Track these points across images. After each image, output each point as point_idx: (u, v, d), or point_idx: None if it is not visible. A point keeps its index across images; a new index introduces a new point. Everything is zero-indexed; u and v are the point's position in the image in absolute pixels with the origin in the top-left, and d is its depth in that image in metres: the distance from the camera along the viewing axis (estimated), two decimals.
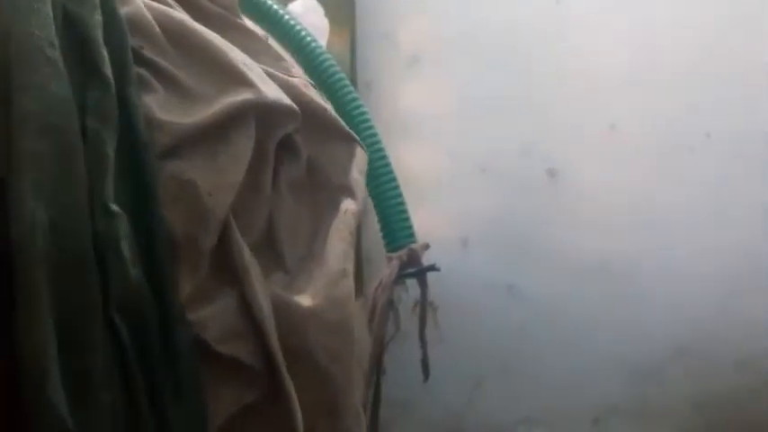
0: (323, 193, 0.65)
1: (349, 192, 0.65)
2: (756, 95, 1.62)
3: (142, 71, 0.55)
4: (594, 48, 1.64)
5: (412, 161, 1.77)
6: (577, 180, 1.67)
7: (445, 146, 1.75)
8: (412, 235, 1.03)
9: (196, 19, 0.63)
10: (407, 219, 1.03)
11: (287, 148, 0.62)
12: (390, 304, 1.02)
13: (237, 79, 0.56)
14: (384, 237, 1.03)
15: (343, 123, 0.65)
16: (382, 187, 1.02)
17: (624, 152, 1.64)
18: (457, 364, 1.77)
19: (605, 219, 1.67)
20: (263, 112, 0.56)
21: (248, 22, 0.69)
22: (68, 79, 0.48)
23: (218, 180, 0.53)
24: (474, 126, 1.72)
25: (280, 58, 0.66)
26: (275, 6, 1.09)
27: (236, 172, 0.54)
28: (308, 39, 1.08)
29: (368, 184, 1.04)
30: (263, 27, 1.11)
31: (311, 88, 0.64)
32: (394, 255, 1.00)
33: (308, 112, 0.62)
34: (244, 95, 0.54)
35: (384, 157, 1.04)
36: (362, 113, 1.05)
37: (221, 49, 0.57)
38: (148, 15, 0.56)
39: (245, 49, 0.65)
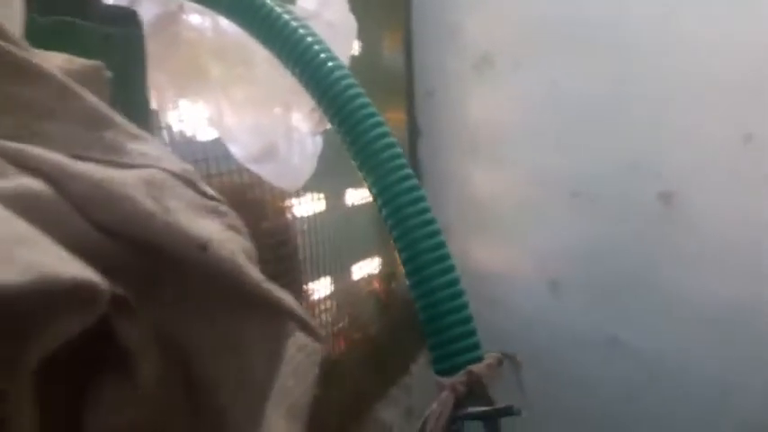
0: None
1: None
2: None
3: None
4: (722, 41, 1.14)
5: (485, 185, 1.34)
6: (699, 206, 1.19)
7: (527, 166, 1.31)
8: (476, 347, 0.61)
9: None
10: (468, 319, 0.61)
11: (96, 358, 0.21)
12: None
13: None
14: (430, 348, 0.61)
15: (255, 278, 0.23)
16: (426, 270, 0.60)
17: (762, 170, 1.14)
18: None
19: (735, 255, 1.19)
20: None
21: (42, 59, 0.27)
22: None
23: None
24: (563, 140, 1.27)
25: (104, 123, 0.25)
26: (266, 2, 0.68)
27: None
28: (315, 46, 0.67)
29: (407, 270, 0.63)
30: (249, 31, 0.70)
31: (179, 182, 0.22)
32: (446, 381, 0.58)
33: (155, 248, 0.21)
34: None
35: (430, 221, 0.62)
36: (394, 157, 0.63)
37: None
38: None
39: (27, 110, 0.25)
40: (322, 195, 1.10)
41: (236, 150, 0.73)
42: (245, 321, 0.24)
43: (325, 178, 1.09)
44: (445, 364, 0.62)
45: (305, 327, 0.27)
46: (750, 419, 1.21)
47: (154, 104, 0.75)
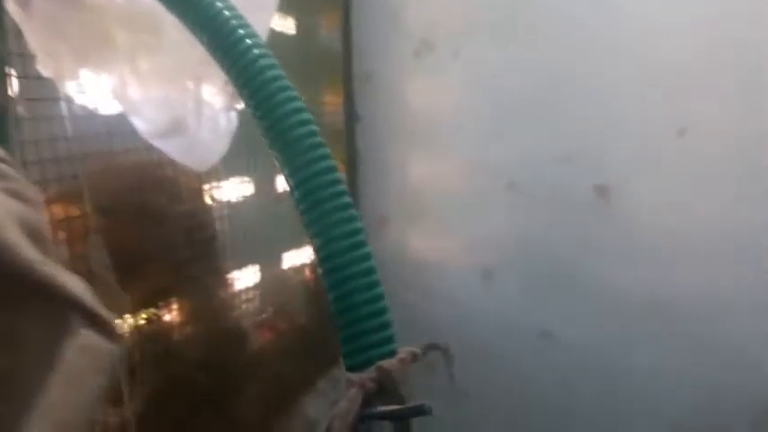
0: None
1: None
2: None
3: None
4: (660, 34, 1.12)
5: (424, 174, 1.30)
6: (634, 199, 1.18)
7: (464, 154, 1.28)
8: (389, 340, 0.56)
9: None
10: (383, 310, 0.56)
11: None
12: None
13: None
14: (342, 341, 0.56)
15: (28, 257, 0.18)
16: (340, 258, 0.55)
17: (696, 165, 1.15)
18: (476, 428, 1.31)
19: (668, 250, 1.18)
20: None
21: None
22: None
23: None
24: (501, 130, 1.24)
25: None
26: None
27: None
28: (224, 12, 0.61)
29: (319, 257, 0.58)
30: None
31: None
32: (355, 377, 0.53)
33: None
34: None
35: (347, 205, 0.57)
36: (310, 135, 0.58)
37: None
38: None
39: None
40: (248, 179, 1.04)
41: (139, 124, 0.67)
42: (18, 311, 0.19)
43: (254, 161, 1.03)
44: (357, 358, 0.58)
45: (95, 321, 0.21)
46: (678, 416, 1.21)
47: (49, 73, 0.68)
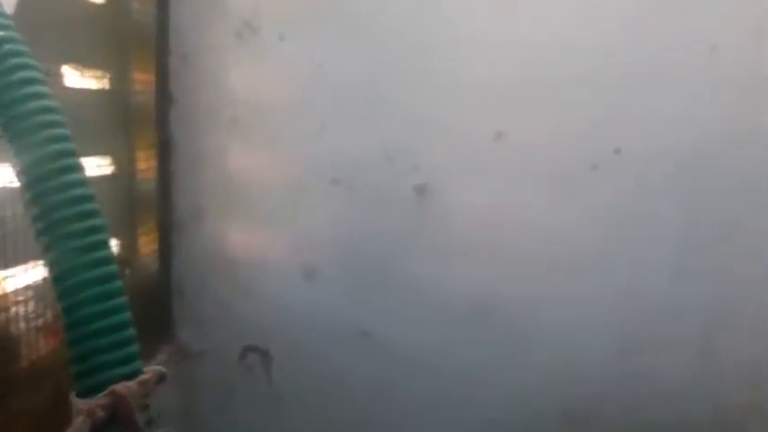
0: None
1: None
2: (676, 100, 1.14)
3: None
4: (482, 38, 1.13)
5: (242, 163, 1.22)
6: (452, 200, 1.18)
7: (287, 145, 1.22)
8: (129, 359, 0.48)
9: None
10: (123, 324, 0.48)
11: None
12: None
13: None
14: (71, 361, 0.48)
15: None
16: (71, 262, 0.46)
17: (512, 168, 1.17)
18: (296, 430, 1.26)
19: (485, 250, 1.20)
20: None
21: None
22: None
23: None
24: (324, 123, 1.19)
25: None
26: None
27: None
28: None
29: (47, 262, 0.48)
30: None
31: None
32: (83, 404, 0.45)
33: None
34: None
35: (86, 197, 0.48)
36: (42, 110, 0.48)
37: None
38: None
39: None
40: None
41: None
42: None
43: None
44: (89, 381, 0.49)
45: None
46: (494, 415, 1.23)
47: None
